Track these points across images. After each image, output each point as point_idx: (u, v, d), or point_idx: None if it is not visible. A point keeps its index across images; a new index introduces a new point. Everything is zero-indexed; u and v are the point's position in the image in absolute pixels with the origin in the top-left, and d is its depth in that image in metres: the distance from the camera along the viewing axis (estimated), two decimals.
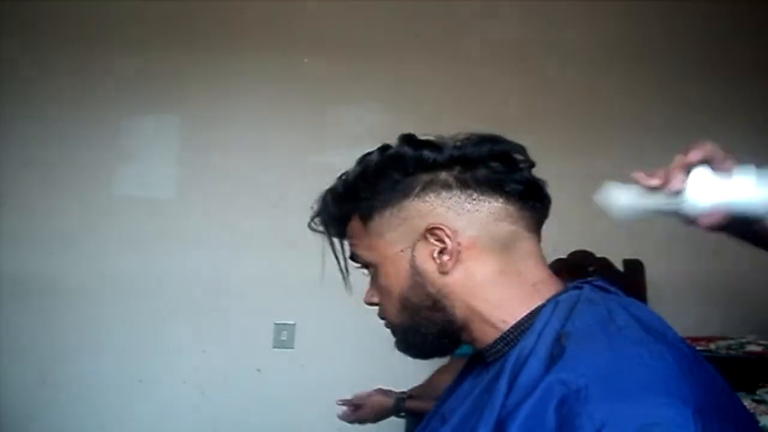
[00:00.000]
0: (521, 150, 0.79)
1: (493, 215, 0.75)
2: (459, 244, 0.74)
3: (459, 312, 0.76)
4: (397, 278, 0.77)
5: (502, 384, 0.67)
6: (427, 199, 0.75)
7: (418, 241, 0.75)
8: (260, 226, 2.40)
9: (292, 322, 2.41)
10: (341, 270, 0.84)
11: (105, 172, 2.40)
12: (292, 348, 2.40)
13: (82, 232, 2.35)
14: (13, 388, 2.31)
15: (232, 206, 2.40)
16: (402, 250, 0.76)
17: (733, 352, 1.95)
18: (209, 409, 2.37)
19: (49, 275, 2.33)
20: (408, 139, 0.78)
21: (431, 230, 0.74)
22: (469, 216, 0.74)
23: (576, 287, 0.75)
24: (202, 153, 2.42)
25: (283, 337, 2.40)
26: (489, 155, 0.76)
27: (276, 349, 2.40)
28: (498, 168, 0.75)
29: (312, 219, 0.83)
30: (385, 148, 0.79)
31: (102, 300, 2.35)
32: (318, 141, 2.41)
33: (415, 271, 0.76)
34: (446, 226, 0.74)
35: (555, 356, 0.65)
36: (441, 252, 0.74)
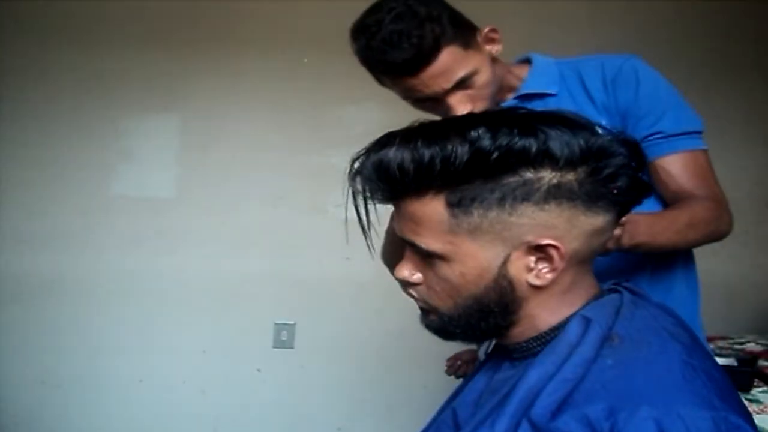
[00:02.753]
0: (636, 146, 0.65)
1: (599, 230, 0.65)
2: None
3: (517, 317, 0.67)
4: (475, 279, 0.65)
5: (535, 378, 0.62)
6: (547, 207, 0.61)
7: (519, 249, 0.63)
8: (260, 226, 2.40)
9: (292, 322, 2.41)
10: (363, 231, 0.69)
11: (105, 172, 2.40)
12: (292, 348, 2.40)
13: (82, 232, 2.35)
14: (13, 388, 2.31)
15: (232, 206, 2.40)
16: (495, 256, 0.64)
17: (733, 352, 1.95)
18: (209, 409, 2.37)
19: (49, 275, 2.34)
20: (519, 121, 0.61)
21: (543, 246, 0.63)
22: (580, 229, 0.63)
23: (611, 290, 0.71)
24: (202, 153, 2.42)
25: (283, 337, 2.40)
26: (622, 160, 0.62)
27: (276, 349, 2.40)
28: (625, 175, 0.63)
29: (359, 160, 0.66)
30: (480, 120, 0.61)
31: (102, 300, 2.35)
32: (318, 141, 2.40)
33: (504, 278, 0.64)
34: (562, 245, 0.62)
35: (606, 356, 0.61)
36: (544, 269, 0.64)
